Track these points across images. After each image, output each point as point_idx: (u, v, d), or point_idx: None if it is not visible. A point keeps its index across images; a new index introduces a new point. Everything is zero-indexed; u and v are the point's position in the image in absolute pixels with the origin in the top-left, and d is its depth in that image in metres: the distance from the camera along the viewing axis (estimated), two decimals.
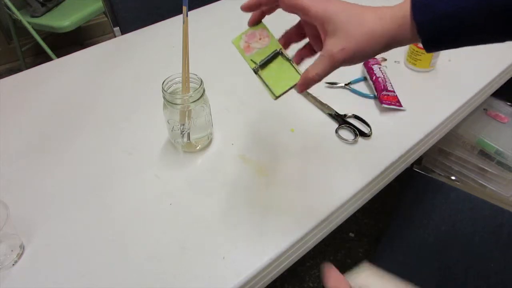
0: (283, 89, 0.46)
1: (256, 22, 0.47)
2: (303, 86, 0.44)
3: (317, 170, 0.58)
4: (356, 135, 0.63)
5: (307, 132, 0.63)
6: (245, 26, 0.47)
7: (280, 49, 0.47)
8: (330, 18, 0.40)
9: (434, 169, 1.06)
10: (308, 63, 0.44)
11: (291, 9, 0.42)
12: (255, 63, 0.47)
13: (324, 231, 0.54)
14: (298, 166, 0.59)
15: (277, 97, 0.46)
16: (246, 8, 0.46)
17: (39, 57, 2.23)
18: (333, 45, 0.40)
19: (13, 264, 0.48)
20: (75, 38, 2.27)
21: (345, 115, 0.66)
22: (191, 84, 0.57)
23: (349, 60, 0.40)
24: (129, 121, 0.69)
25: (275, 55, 0.47)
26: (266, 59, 0.47)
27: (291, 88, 0.46)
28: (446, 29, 0.36)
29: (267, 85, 0.46)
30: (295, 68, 0.46)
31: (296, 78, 0.45)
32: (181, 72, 0.56)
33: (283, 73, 0.46)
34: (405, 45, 0.40)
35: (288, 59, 0.46)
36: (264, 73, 0.47)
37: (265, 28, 0.48)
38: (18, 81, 0.80)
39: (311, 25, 0.44)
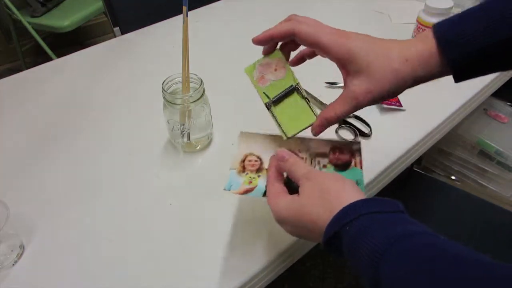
0: (296, 130, 0.43)
1: (271, 50, 0.44)
2: (321, 128, 0.42)
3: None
4: (356, 135, 0.63)
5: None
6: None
7: (297, 84, 0.43)
8: (353, 58, 0.37)
9: (434, 169, 1.06)
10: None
11: (310, 46, 0.40)
12: (268, 97, 0.43)
13: None
14: None
15: (288, 138, 0.43)
16: (257, 42, 0.42)
17: (39, 57, 2.23)
18: (357, 87, 0.38)
19: (13, 264, 0.48)
20: (75, 38, 2.27)
21: None
22: (191, 84, 0.57)
23: (372, 102, 0.39)
24: (129, 121, 0.69)
25: (290, 91, 0.43)
26: (281, 94, 0.43)
27: (305, 129, 0.43)
28: (477, 61, 0.36)
29: (278, 124, 0.43)
30: (311, 108, 0.43)
31: (311, 119, 0.42)
32: (181, 72, 0.56)
33: (298, 112, 0.43)
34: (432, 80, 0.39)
35: (304, 97, 0.43)
36: (277, 110, 0.43)
37: (281, 58, 0.44)
38: (18, 81, 0.80)
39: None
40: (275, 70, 0.43)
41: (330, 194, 0.36)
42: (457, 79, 0.38)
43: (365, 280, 0.31)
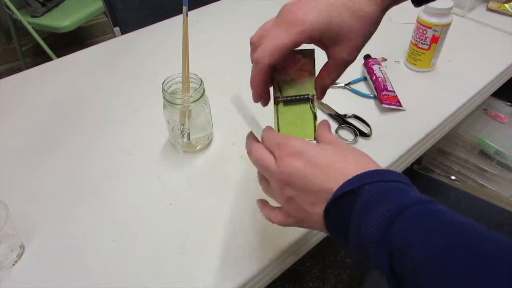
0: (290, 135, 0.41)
1: (267, 94, 0.41)
2: (322, 95, 0.42)
3: None
4: (356, 135, 0.63)
5: None
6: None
7: (313, 96, 0.41)
8: (324, 32, 0.36)
9: (434, 169, 1.06)
10: None
11: (284, 55, 0.37)
12: (280, 92, 0.41)
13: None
14: None
15: None
16: (259, 97, 0.41)
17: (39, 57, 2.23)
18: (341, 52, 0.38)
19: (13, 264, 0.48)
20: (75, 38, 2.27)
21: (345, 115, 0.66)
22: (191, 84, 0.57)
23: (359, 52, 0.39)
24: (129, 121, 0.69)
25: (305, 99, 0.41)
26: (294, 98, 0.41)
27: None
28: None
29: (278, 122, 0.42)
30: (315, 126, 0.41)
31: (309, 136, 0.41)
32: (181, 72, 0.56)
33: (301, 123, 0.42)
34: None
35: (313, 112, 0.41)
36: (282, 109, 0.42)
37: (312, 61, 0.41)
38: (18, 81, 0.80)
39: None
40: (300, 70, 0.41)
41: (363, 157, 0.35)
42: (418, 4, 0.38)
43: (371, 246, 0.29)
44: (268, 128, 0.40)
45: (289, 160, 0.35)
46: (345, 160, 0.34)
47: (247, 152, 0.41)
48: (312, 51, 0.41)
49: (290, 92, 0.42)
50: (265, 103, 0.42)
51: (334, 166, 0.33)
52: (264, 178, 0.40)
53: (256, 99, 0.41)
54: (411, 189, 0.31)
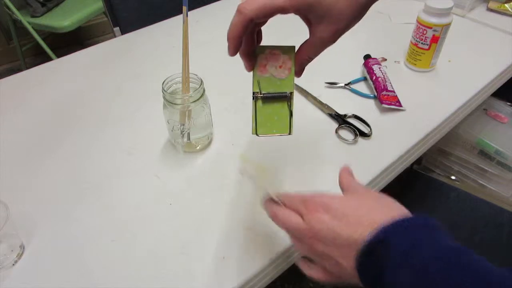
0: (267, 132, 0.44)
1: (249, 48, 0.41)
2: (301, 72, 0.43)
3: (317, 170, 0.58)
4: (356, 135, 0.63)
5: (307, 132, 0.63)
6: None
7: (291, 93, 0.43)
8: (311, 7, 0.36)
9: (434, 169, 1.06)
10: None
11: (268, 15, 0.37)
12: (259, 88, 0.43)
13: None
14: (297, 166, 0.59)
15: (256, 135, 0.44)
16: (234, 51, 0.39)
17: (39, 57, 2.23)
18: (324, 32, 0.38)
19: (13, 264, 0.48)
20: (75, 38, 2.27)
21: (345, 115, 0.66)
22: (191, 84, 0.57)
23: (340, 36, 0.39)
24: (129, 121, 0.69)
25: (282, 97, 0.43)
26: (272, 95, 0.43)
27: (274, 135, 0.44)
28: None
29: (255, 118, 0.44)
30: (290, 122, 0.44)
31: (284, 131, 0.44)
32: (181, 72, 0.56)
33: (278, 119, 0.44)
34: None
35: (290, 110, 0.44)
36: (260, 105, 0.43)
37: (291, 58, 0.42)
38: (18, 81, 0.80)
39: None
40: (280, 67, 0.42)
41: (386, 201, 0.36)
42: None
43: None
44: (286, 193, 0.40)
45: (316, 214, 0.35)
46: (368, 208, 0.34)
47: (271, 217, 0.40)
48: (292, 48, 0.42)
49: (269, 88, 0.43)
50: (245, 57, 0.41)
51: (358, 215, 0.34)
52: (298, 240, 0.39)
53: (231, 52, 0.39)
54: (439, 234, 0.31)
